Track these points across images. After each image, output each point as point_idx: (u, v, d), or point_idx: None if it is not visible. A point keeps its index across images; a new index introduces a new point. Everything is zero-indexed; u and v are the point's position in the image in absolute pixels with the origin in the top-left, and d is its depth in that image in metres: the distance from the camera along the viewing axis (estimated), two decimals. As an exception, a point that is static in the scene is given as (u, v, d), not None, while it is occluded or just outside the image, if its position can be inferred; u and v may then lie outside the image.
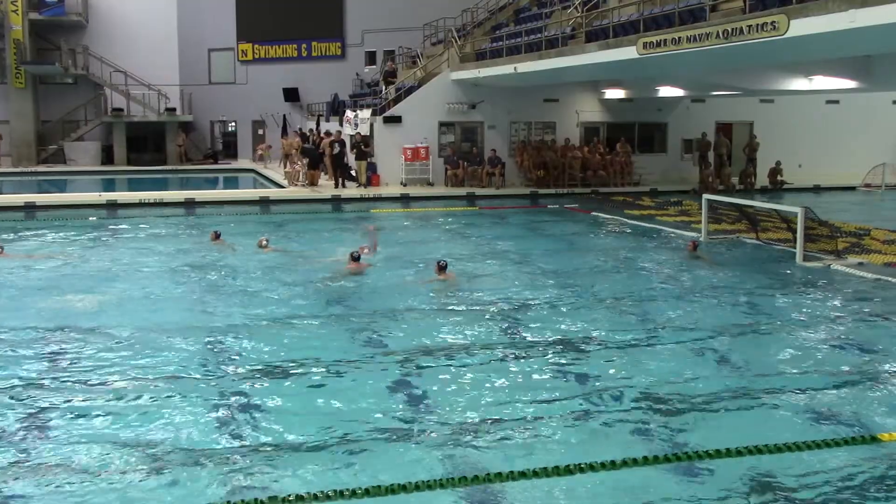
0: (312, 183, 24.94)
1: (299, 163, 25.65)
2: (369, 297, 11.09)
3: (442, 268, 12.03)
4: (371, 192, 23.90)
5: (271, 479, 5.56)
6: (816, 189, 26.18)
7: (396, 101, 25.91)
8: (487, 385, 7.51)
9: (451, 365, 8.13)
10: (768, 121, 28.57)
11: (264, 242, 14.51)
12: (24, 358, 8.26)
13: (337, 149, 24.77)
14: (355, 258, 12.69)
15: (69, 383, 7.50)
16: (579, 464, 5.68)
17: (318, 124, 31.50)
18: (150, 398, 7.11)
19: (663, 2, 16.91)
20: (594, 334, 9.27)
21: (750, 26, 13.25)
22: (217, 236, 15.21)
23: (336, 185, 24.56)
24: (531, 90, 25.68)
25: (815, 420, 6.73)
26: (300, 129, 31.04)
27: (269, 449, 6.05)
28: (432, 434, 6.34)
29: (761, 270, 13.13)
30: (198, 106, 36.71)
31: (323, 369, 7.97)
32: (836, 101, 28.68)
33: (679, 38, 15.10)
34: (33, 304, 10.52)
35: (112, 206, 21.30)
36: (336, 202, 22.77)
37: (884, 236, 16.36)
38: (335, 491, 5.30)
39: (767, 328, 9.66)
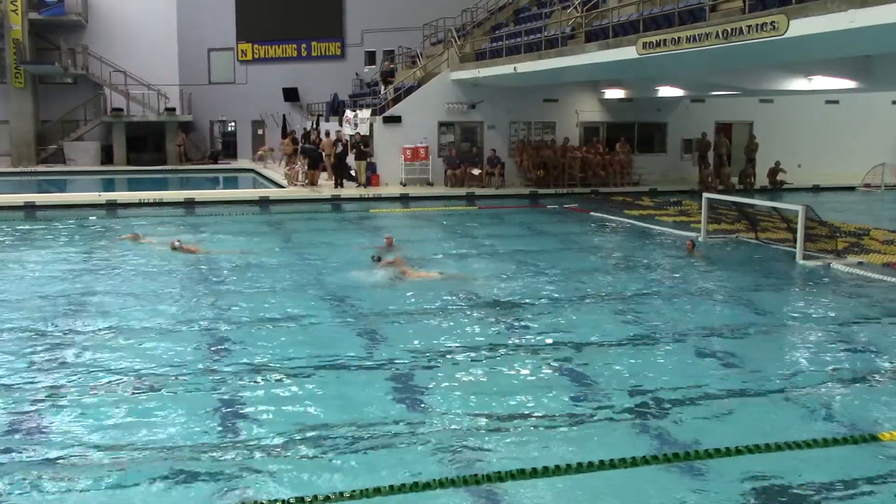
0: (312, 183, 24.95)
1: (299, 163, 25.67)
2: (369, 296, 11.08)
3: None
4: (371, 192, 23.91)
5: (270, 479, 5.56)
6: (816, 189, 26.18)
7: (396, 101, 25.92)
8: (486, 385, 7.52)
9: (450, 364, 8.12)
10: (768, 121, 28.58)
11: (176, 244, 14.52)
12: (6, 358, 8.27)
13: (339, 148, 24.79)
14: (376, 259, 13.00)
15: (59, 383, 7.51)
16: (579, 463, 5.68)
17: (317, 124, 31.50)
18: (148, 399, 7.11)
19: (663, 2, 16.92)
20: (594, 334, 9.26)
21: (749, 26, 13.25)
22: (136, 237, 15.05)
23: (336, 185, 24.57)
24: (531, 90, 25.68)
25: (815, 419, 6.74)
26: (293, 132, 30.94)
27: (268, 450, 6.05)
28: (432, 434, 6.33)
29: (761, 270, 13.14)
30: (197, 106, 36.72)
31: (322, 369, 7.96)
32: (836, 101, 28.70)
33: (679, 38, 15.11)
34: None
35: (112, 205, 21.30)
36: (336, 202, 22.77)
37: (883, 236, 16.36)
38: (335, 491, 5.30)
39: (767, 327, 9.67)
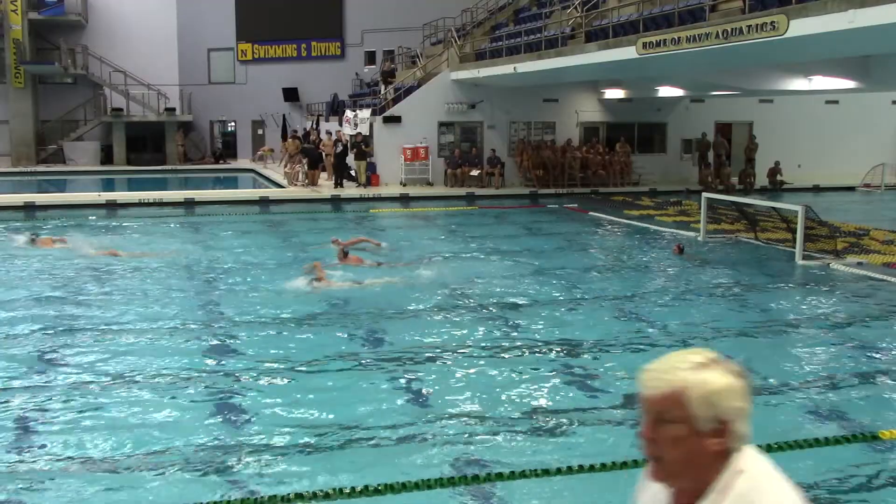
0: (312, 183, 24.96)
1: (299, 163, 25.68)
2: (368, 296, 11.08)
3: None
4: (371, 191, 23.92)
5: (271, 478, 5.56)
6: (816, 189, 26.18)
7: (396, 101, 25.92)
8: (486, 385, 7.51)
9: (449, 364, 8.13)
10: (768, 121, 28.58)
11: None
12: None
13: (339, 148, 24.81)
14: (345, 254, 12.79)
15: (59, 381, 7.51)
16: (580, 465, 5.69)
17: (317, 124, 31.50)
18: (154, 395, 7.12)
19: (663, 2, 16.93)
20: (593, 334, 9.27)
21: (749, 26, 13.26)
22: (34, 239, 14.67)
23: (336, 185, 24.58)
24: (531, 90, 25.68)
25: (815, 418, 6.74)
26: (295, 131, 30.93)
27: (268, 448, 6.05)
28: (432, 434, 6.33)
29: (760, 269, 13.14)
30: (197, 106, 36.71)
31: (323, 370, 7.96)
32: (836, 101, 28.69)
33: (679, 38, 15.11)
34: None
35: (111, 205, 21.30)
36: (336, 202, 22.78)
37: (883, 236, 16.37)
38: (335, 490, 5.30)
39: (766, 327, 9.66)
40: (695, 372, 1.75)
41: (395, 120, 25.40)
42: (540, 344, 8.83)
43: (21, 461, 5.84)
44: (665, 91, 24.47)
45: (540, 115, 26.94)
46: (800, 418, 6.75)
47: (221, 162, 35.88)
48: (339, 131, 26.55)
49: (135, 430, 6.36)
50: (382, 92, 27.38)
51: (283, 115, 36.16)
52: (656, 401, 1.76)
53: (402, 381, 7.60)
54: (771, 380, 7.63)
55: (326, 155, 25.87)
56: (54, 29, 34.45)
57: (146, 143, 35.28)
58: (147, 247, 14.80)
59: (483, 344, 8.84)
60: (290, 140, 28.70)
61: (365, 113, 26.88)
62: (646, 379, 1.79)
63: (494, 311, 10.30)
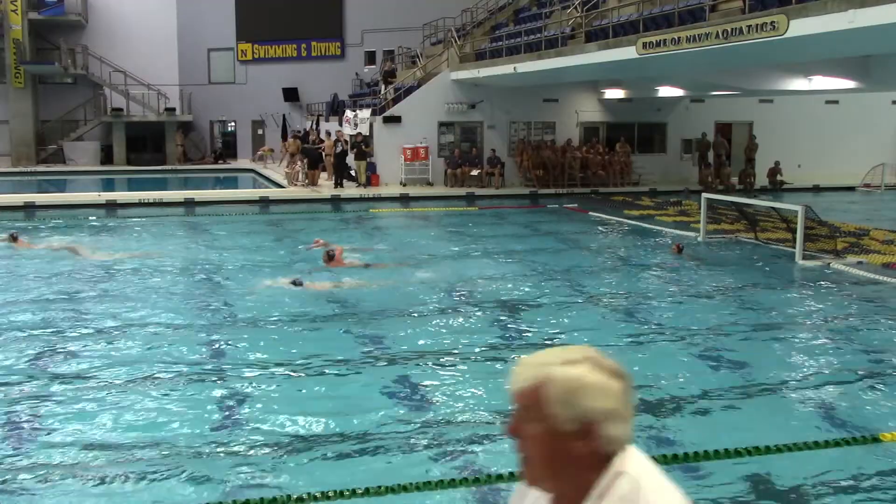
0: (312, 183, 24.97)
1: (299, 163, 25.69)
2: (368, 296, 11.08)
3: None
4: (371, 191, 23.92)
5: (271, 478, 5.56)
6: (816, 189, 26.17)
7: (396, 101, 25.92)
8: (486, 385, 7.51)
9: (448, 365, 8.12)
10: (768, 121, 28.57)
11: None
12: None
13: (339, 148, 24.81)
14: (330, 256, 12.77)
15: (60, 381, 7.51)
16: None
17: (317, 124, 31.50)
18: (150, 397, 7.12)
19: (663, 2, 16.93)
20: (592, 334, 9.27)
21: (749, 26, 13.26)
22: (14, 238, 14.52)
23: (336, 185, 24.58)
24: (531, 90, 25.68)
25: (815, 420, 6.73)
26: (296, 131, 30.95)
27: (268, 449, 6.05)
28: (432, 434, 6.33)
29: (760, 269, 13.15)
30: (197, 106, 36.70)
31: (323, 370, 7.96)
32: (836, 101, 28.68)
33: (679, 38, 15.12)
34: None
35: (111, 205, 21.31)
36: (336, 202, 22.78)
37: (883, 236, 16.37)
38: (335, 491, 5.30)
39: (766, 327, 9.65)
40: (562, 367, 1.63)
41: (395, 120, 25.40)
42: (540, 344, 8.82)
43: (16, 464, 5.83)
44: (665, 91, 24.47)
45: (540, 115, 26.93)
46: (799, 419, 6.75)
47: (221, 162, 35.86)
48: (339, 131, 26.55)
49: (131, 433, 6.35)
50: (382, 92, 27.39)
51: (283, 115, 36.16)
52: (521, 395, 1.65)
53: (401, 381, 7.59)
54: (770, 380, 7.63)
55: (326, 155, 25.87)
56: (54, 29, 34.45)
57: (146, 143, 35.28)
58: (144, 247, 14.80)
59: (483, 344, 8.83)
60: (290, 140, 28.69)
61: (365, 113, 26.88)
62: (516, 371, 1.68)
63: (494, 311, 10.29)
